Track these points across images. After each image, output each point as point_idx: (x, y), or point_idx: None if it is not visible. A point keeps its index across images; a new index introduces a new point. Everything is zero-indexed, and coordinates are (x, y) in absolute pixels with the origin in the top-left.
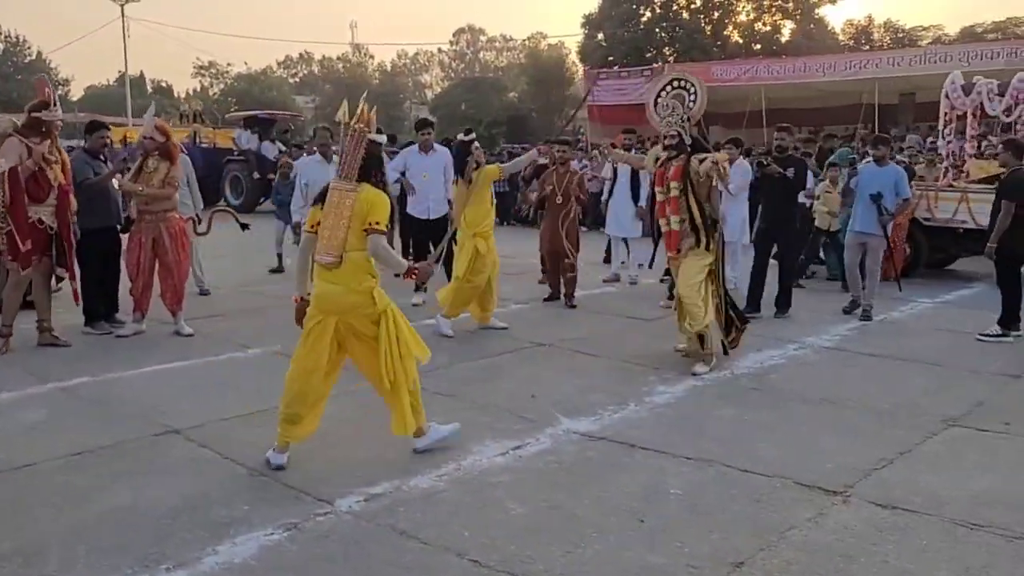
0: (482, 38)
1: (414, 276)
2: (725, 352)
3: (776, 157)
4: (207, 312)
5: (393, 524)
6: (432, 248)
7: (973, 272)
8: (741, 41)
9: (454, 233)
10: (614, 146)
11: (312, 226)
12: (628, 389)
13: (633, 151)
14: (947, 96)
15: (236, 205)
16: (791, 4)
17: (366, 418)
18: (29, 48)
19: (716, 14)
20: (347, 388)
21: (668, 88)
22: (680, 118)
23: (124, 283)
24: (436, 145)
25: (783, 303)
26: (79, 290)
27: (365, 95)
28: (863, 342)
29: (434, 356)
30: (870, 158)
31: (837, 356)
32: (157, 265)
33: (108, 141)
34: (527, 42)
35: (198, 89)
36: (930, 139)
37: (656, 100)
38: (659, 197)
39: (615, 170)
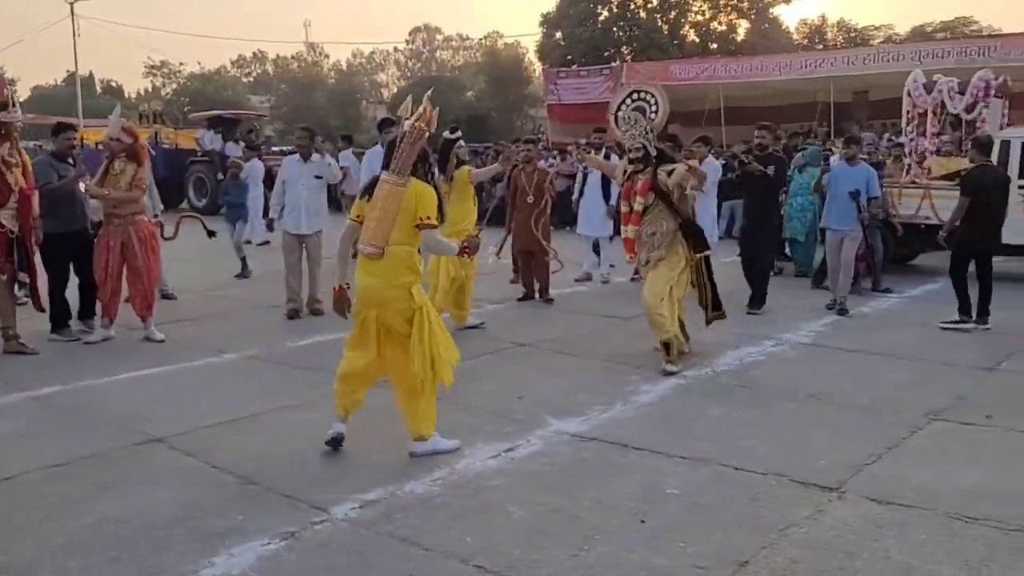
0: (438, 37)
1: (467, 252)
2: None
3: (757, 155)
4: (175, 317)
5: (392, 531)
6: None
7: (935, 267)
8: (698, 40)
9: None
10: (589, 147)
11: (357, 216)
12: (612, 389)
13: (604, 149)
14: (909, 94)
15: (200, 207)
16: (746, 3)
17: (354, 424)
18: None
19: (673, 13)
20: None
21: (628, 100)
22: (644, 130)
23: None
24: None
25: (758, 300)
26: (41, 296)
27: (431, 92)
28: (838, 338)
29: None
30: (838, 156)
31: (815, 352)
32: (125, 270)
33: (75, 143)
34: (483, 41)
35: (150, 89)
36: (888, 136)
37: (617, 113)
38: (623, 208)
39: (585, 170)
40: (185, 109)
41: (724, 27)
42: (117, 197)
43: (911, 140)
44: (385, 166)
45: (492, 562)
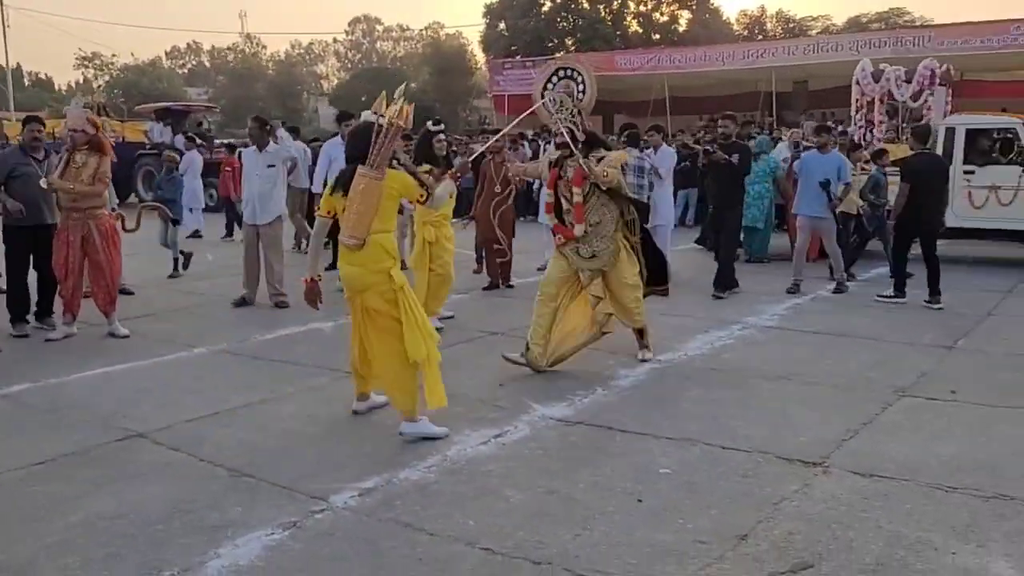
0: (378, 28)
1: (457, 178)
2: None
3: (721, 144)
4: (137, 312)
5: (395, 518)
6: None
7: (880, 251)
8: (641, 31)
9: None
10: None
11: (328, 211)
12: (591, 374)
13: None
14: (858, 83)
15: (149, 200)
16: None
17: (341, 413)
18: None
19: (615, 4)
20: (310, 384)
21: (554, 79)
22: (570, 112)
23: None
24: None
25: (724, 283)
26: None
27: (404, 87)
28: (802, 321)
29: None
30: (787, 144)
31: (782, 335)
32: (87, 265)
33: (38, 135)
34: (424, 32)
35: (81, 81)
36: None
37: (543, 93)
38: (547, 199)
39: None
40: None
41: (666, 18)
42: (81, 191)
43: (859, 128)
44: (350, 159)
45: (498, 544)
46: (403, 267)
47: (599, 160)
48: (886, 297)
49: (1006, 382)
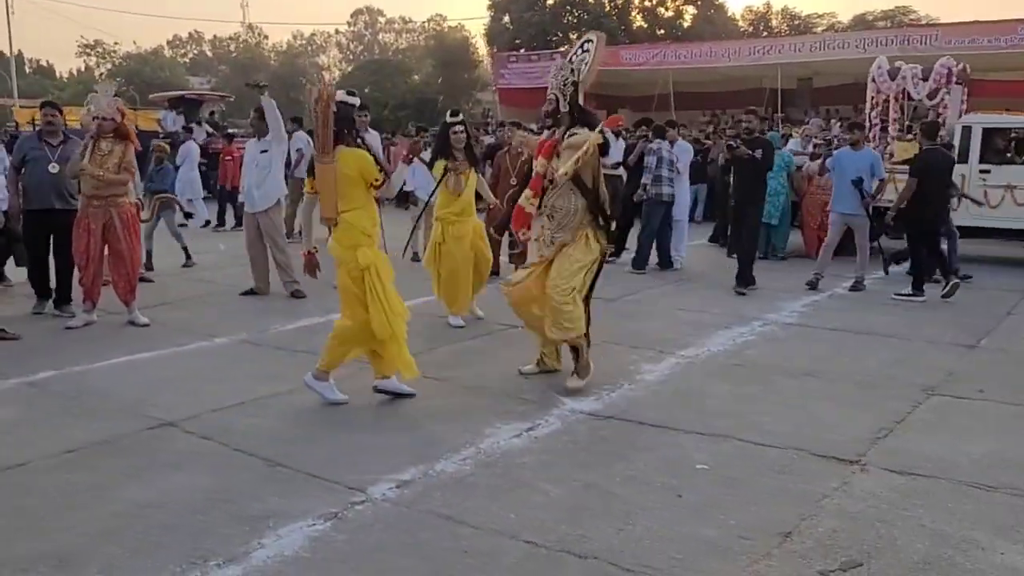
0: (380, 19)
1: (409, 160)
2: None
3: (744, 139)
4: (156, 301)
5: (435, 510)
6: None
7: (891, 249)
8: (645, 26)
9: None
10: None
11: (311, 189)
12: (615, 368)
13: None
14: (873, 80)
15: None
16: None
17: (369, 404)
18: None
19: None
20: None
21: (578, 51)
22: (563, 81)
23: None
24: (371, 129)
25: (745, 279)
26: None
27: (324, 75)
28: (821, 318)
29: (410, 342)
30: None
31: (802, 332)
32: (107, 253)
33: (52, 120)
34: (427, 24)
35: (82, 69)
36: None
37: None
38: (537, 167)
39: None
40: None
41: (671, 13)
42: (110, 179)
43: (873, 126)
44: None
45: (541, 538)
46: (415, 259)
47: (568, 135)
48: (905, 295)
49: None
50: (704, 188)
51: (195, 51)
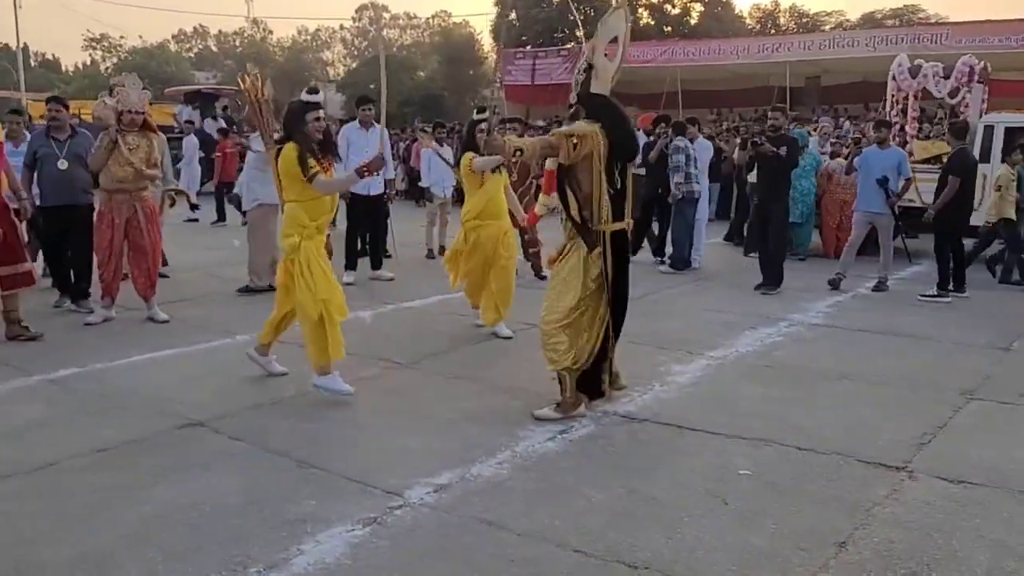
0: (385, 15)
1: (367, 173)
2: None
3: (769, 136)
4: (173, 297)
5: (476, 515)
6: (370, 224)
7: (918, 249)
8: (652, 23)
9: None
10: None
11: None
12: (644, 369)
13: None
14: (894, 78)
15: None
16: None
17: (399, 404)
18: None
19: None
20: (362, 374)
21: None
22: (580, 67)
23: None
24: (375, 122)
25: (774, 280)
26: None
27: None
28: (848, 318)
29: (433, 341)
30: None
31: (830, 333)
32: (127, 248)
33: (56, 115)
34: (432, 20)
35: (88, 63)
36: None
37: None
38: (550, 165)
39: None
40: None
41: (679, 10)
42: (151, 174)
43: (895, 124)
44: None
45: (589, 546)
46: (430, 256)
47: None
48: (929, 296)
49: None
50: (717, 187)
51: (200, 45)
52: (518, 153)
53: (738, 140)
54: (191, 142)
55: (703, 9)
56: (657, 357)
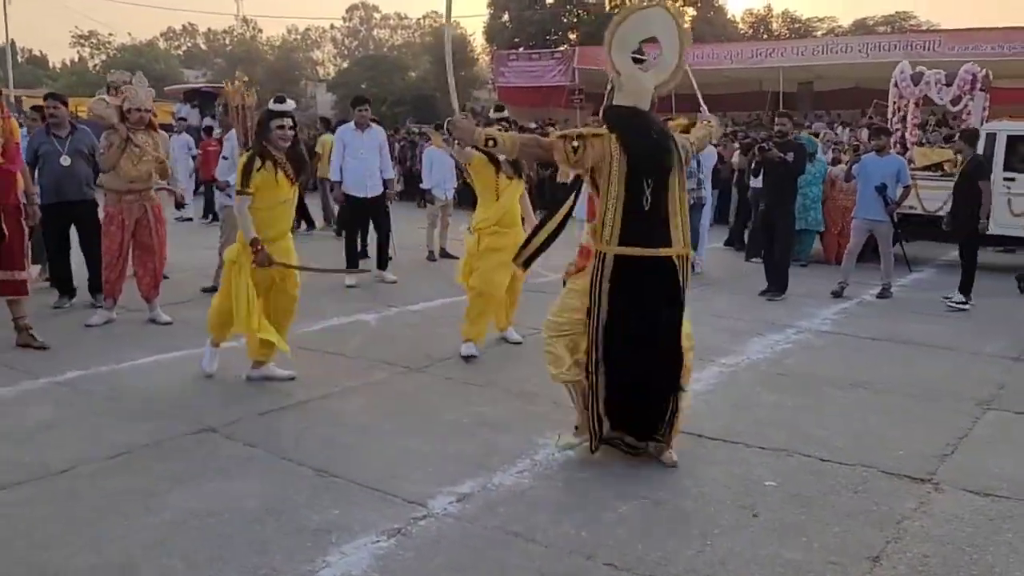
0: (376, 15)
1: (256, 262)
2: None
3: (776, 142)
4: (174, 299)
5: (502, 526)
6: (372, 226)
7: (918, 256)
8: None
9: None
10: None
11: None
12: None
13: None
14: (896, 85)
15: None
16: None
17: (411, 409)
18: None
19: None
20: (370, 379)
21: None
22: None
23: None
24: (372, 123)
25: (779, 286)
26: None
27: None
28: (856, 326)
29: (440, 345)
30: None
31: (839, 340)
32: (133, 247)
33: (53, 112)
34: (423, 21)
35: (76, 60)
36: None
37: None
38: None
39: None
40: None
41: None
42: (165, 171)
43: (896, 131)
44: None
45: (620, 559)
46: (431, 258)
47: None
48: (957, 303)
49: None
50: (715, 192)
51: (189, 43)
52: (490, 143)
53: (736, 145)
54: (180, 140)
55: (695, 13)
56: None
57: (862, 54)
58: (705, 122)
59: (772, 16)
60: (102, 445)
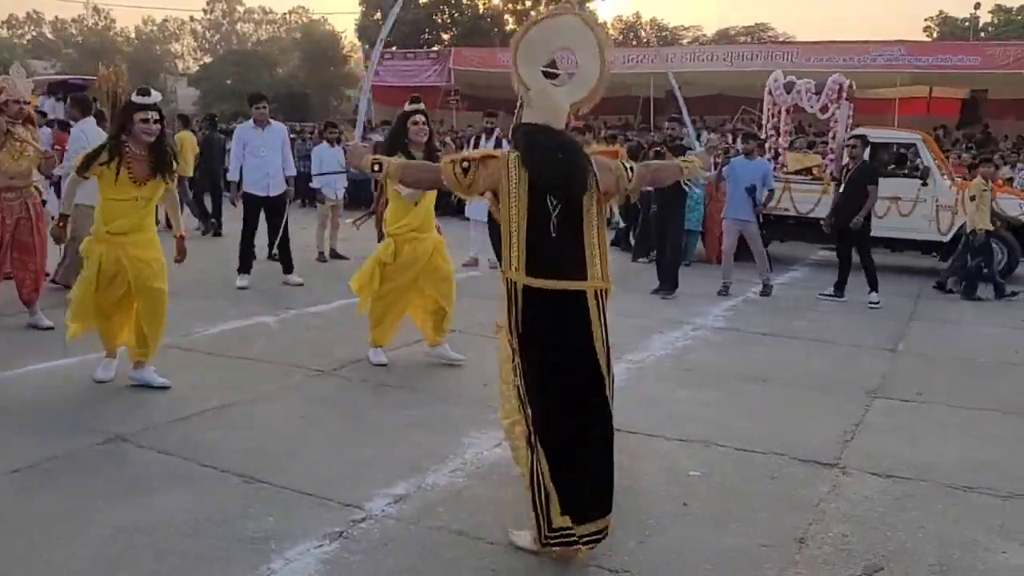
0: (239, 8)
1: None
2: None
3: (670, 146)
4: (55, 302)
5: (445, 526)
6: (269, 227)
7: (791, 255)
8: (518, 29)
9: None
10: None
11: None
12: None
13: (495, 136)
14: (770, 92)
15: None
16: None
17: (333, 413)
18: None
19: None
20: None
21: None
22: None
23: None
24: (272, 120)
25: (672, 285)
26: None
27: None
28: (746, 322)
29: (347, 347)
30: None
31: (736, 336)
32: (13, 247)
33: None
34: (289, 16)
35: None
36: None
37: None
38: None
39: None
40: None
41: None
42: (55, 165)
43: (769, 137)
44: None
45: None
46: (322, 259)
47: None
48: (827, 296)
49: (960, 384)
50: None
51: (34, 32)
52: (375, 167)
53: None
54: (43, 135)
55: None
56: None
57: (726, 63)
58: (680, 160)
59: (641, 23)
60: (6, 459)
